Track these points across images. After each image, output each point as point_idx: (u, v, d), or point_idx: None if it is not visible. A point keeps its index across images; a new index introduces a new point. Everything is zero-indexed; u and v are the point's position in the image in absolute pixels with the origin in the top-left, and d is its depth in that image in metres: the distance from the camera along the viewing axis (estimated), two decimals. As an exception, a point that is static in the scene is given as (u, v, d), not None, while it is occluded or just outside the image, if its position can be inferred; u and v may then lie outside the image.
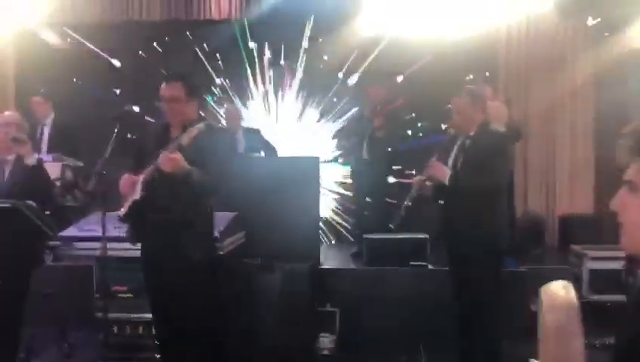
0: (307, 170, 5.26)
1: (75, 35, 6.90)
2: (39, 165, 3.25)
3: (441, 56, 6.25)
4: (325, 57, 6.84)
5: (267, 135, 6.47)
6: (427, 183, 3.52)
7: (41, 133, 5.78)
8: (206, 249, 3.36)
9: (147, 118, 5.92)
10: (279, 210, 4.79)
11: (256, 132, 6.45)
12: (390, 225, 3.61)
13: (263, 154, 6.09)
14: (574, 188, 6.57)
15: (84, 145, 5.53)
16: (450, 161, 3.46)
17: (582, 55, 6.46)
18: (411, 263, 4.54)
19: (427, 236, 4.59)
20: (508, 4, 6.36)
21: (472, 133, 3.44)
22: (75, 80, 6.88)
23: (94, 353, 4.06)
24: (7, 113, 3.51)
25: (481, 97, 3.54)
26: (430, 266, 4.61)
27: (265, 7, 6.59)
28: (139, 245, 3.35)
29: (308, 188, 5.13)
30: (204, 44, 6.94)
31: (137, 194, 3.12)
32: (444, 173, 3.40)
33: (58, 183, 3.93)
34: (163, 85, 3.21)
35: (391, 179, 6.02)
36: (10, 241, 2.95)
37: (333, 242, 6.84)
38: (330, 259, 5.57)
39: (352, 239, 6.56)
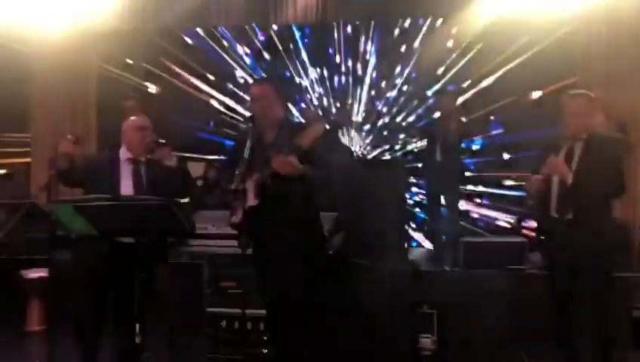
0: (395, 173, 5.35)
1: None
2: (178, 166, 3.38)
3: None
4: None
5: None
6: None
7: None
8: (319, 247, 3.44)
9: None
10: (366, 212, 4.87)
11: (334, 132, 6.56)
12: (510, 223, 3.60)
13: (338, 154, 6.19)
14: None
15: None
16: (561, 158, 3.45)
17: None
18: (509, 267, 4.54)
19: (525, 239, 4.59)
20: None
21: (584, 136, 3.45)
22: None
23: (203, 348, 4.17)
24: (140, 118, 3.64)
25: (596, 102, 3.55)
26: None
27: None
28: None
29: (396, 191, 5.21)
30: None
31: (252, 201, 3.19)
32: (566, 172, 3.39)
33: (200, 182, 4.07)
34: (252, 85, 3.34)
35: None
36: (155, 238, 3.07)
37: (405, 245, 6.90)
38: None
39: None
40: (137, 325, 3.06)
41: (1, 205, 5.00)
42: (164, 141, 3.37)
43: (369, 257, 4.50)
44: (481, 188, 7.07)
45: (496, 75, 6.85)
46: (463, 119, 6.12)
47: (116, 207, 2.87)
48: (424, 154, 6.13)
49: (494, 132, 7.04)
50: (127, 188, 3.33)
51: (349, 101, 7.56)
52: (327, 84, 7.65)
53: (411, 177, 7.08)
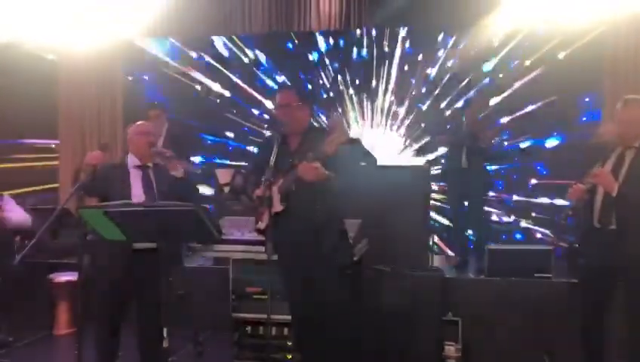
0: (417, 179, 5.32)
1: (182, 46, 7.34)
2: (185, 177, 3.43)
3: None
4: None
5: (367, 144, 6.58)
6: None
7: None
8: (344, 253, 3.46)
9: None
10: (389, 218, 4.86)
11: (357, 141, 6.56)
12: (549, 233, 3.53)
13: (363, 164, 6.17)
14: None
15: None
16: (608, 168, 3.37)
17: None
18: (536, 275, 4.48)
19: (551, 248, 4.54)
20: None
21: (636, 145, 3.35)
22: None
23: (227, 352, 4.21)
24: (143, 123, 3.65)
25: None
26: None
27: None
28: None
29: (418, 197, 5.18)
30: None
31: (278, 207, 3.23)
32: (612, 183, 3.28)
33: (227, 188, 4.12)
34: (277, 93, 3.39)
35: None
36: (179, 242, 3.12)
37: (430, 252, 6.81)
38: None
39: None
40: (165, 329, 3.09)
41: (32, 210, 5.13)
42: (169, 154, 3.41)
43: (393, 264, 4.49)
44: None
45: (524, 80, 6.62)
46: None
47: (145, 212, 2.90)
48: (449, 159, 6.06)
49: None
50: (138, 194, 3.38)
51: (373, 81, 6.84)
52: (342, 56, 6.79)
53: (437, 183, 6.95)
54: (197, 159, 7.10)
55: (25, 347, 4.71)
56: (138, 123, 3.68)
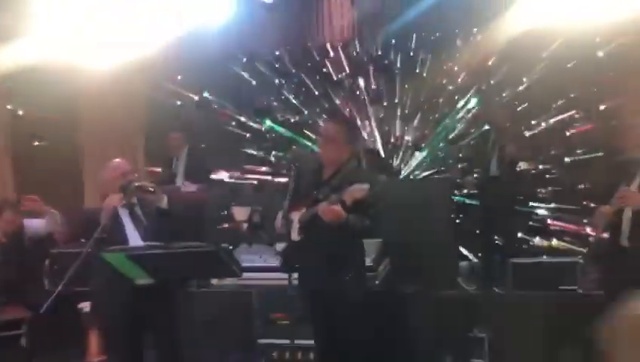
0: (439, 191, 5.29)
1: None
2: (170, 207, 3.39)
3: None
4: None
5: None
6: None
7: (177, 165, 6.20)
8: (362, 282, 3.45)
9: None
10: (413, 234, 4.81)
11: (375, 154, 6.55)
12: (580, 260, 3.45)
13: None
14: None
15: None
16: (634, 187, 3.28)
17: None
18: (560, 287, 4.42)
19: (578, 260, 4.47)
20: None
21: None
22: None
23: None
24: (119, 162, 3.53)
25: None
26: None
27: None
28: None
29: (441, 211, 5.13)
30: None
31: (295, 236, 3.25)
32: None
33: (246, 225, 4.20)
34: (324, 122, 3.37)
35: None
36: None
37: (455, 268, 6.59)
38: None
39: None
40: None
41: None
42: (152, 189, 3.36)
43: (417, 282, 4.47)
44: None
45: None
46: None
47: (168, 254, 2.97)
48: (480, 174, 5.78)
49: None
50: (133, 236, 3.33)
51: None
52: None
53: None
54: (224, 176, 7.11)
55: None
56: (110, 164, 3.54)
